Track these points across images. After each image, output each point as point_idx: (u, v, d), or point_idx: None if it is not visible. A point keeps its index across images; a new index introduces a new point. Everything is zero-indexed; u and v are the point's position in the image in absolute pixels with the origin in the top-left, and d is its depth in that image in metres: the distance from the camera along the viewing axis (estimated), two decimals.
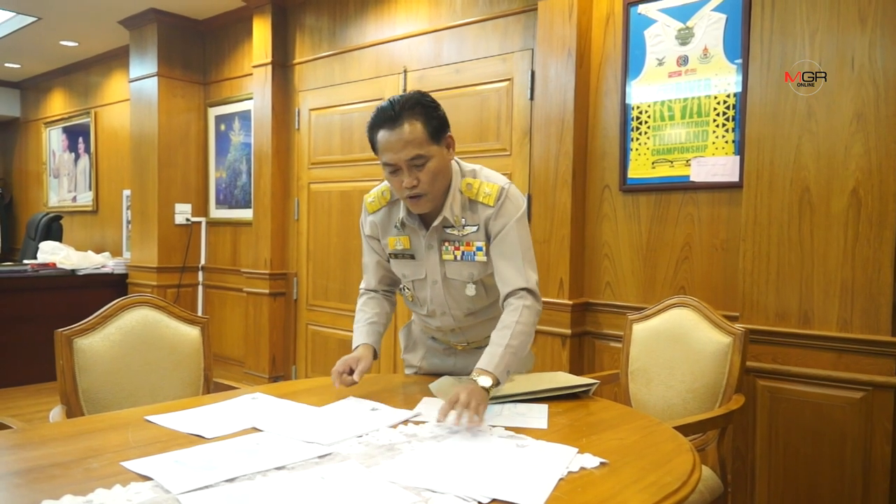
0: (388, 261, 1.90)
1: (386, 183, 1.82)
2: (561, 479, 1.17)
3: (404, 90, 3.86)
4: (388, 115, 1.62)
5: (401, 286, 1.94)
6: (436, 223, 1.73)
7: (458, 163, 1.78)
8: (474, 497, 1.08)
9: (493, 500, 1.08)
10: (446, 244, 1.77)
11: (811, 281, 2.25)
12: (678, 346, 2.22)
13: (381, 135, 1.63)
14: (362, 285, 1.98)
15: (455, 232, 1.75)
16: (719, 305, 2.53)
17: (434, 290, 1.82)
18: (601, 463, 1.25)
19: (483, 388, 1.52)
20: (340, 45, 4.27)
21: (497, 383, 1.57)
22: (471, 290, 1.79)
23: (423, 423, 1.51)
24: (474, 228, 1.74)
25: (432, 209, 1.72)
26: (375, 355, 1.82)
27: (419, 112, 1.62)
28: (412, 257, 1.82)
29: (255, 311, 4.73)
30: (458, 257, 1.76)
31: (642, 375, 2.30)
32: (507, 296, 1.71)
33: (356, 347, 1.82)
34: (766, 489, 2.34)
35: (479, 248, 1.75)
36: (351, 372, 1.72)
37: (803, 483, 2.27)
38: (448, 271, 1.79)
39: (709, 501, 1.92)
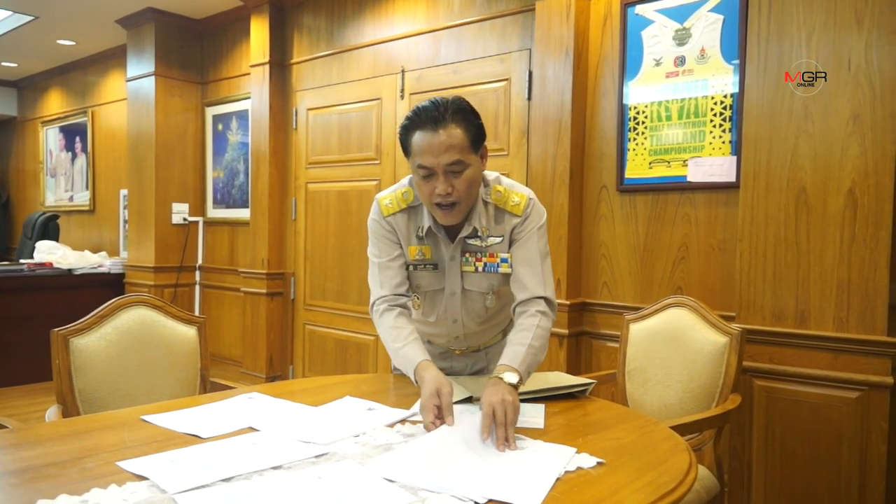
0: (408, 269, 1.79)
1: (402, 184, 1.76)
2: (558, 479, 1.17)
3: (402, 90, 3.86)
4: (432, 116, 1.53)
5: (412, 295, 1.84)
6: (463, 234, 1.68)
7: None
8: (471, 497, 1.09)
9: (490, 500, 1.08)
10: (467, 255, 1.72)
11: (807, 281, 2.25)
12: (675, 346, 2.22)
13: (420, 136, 1.55)
14: (381, 293, 1.75)
15: (478, 243, 1.70)
16: (716, 305, 2.53)
17: (451, 302, 1.78)
18: (598, 463, 1.25)
19: (510, 384, 1.44)
20: (338, 45, 4.27)
21: (521, 380, 1.50)
22: (490, 301, 1.76)
23: (420, 422, 1.51)
24: (498, 239, 1.70)
25: (462, 219, 1.66)
26: None
27: (462, 118, 1.56)
28: (434, 267, 1.75)
29: (252, 310, 4.73)
30: (480, 269, 1.72)
31: (639, 375, 2.31)
32: (524, 302, 1.67)
33: (417, 365, 1.57)
34: (763, 488, 2.35)
35: (504, 260, 1.70)
36: (439, 411, 1.46)
37: (800, 482, 2.27)
38: (466, 283, 1.75)
39: (705, 501, 1.92)
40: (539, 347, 1.60)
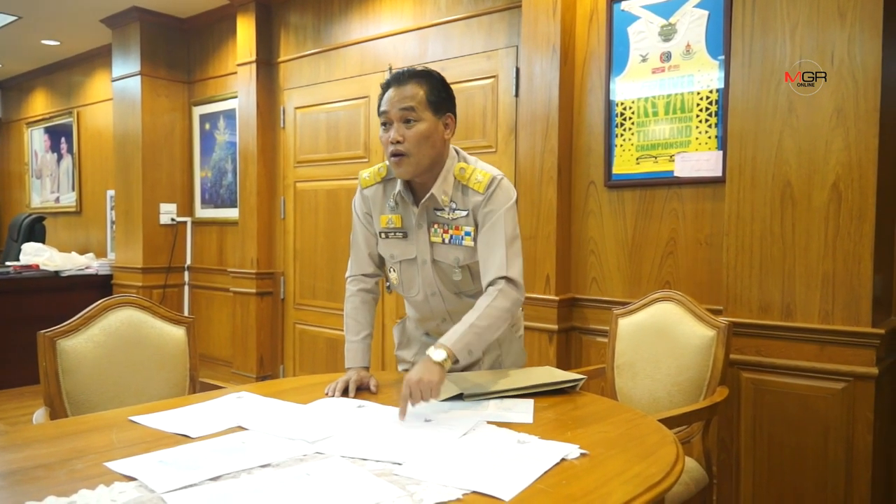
0: (379, 239, 1.91)
1: (384, 162, 1.85)
2: (546, 472, 1.17)
3: None
4: (398, 77, 1.72)
5: (388, 269, 1.94)
6: (425, 199, 1.76)
7: (456, 150, 1.82)
8: (456, 486, 1.10)
9: (473, 492, 1.09)
10: (435, 226, 1.79)
11: (793, 274, 2.27)
12: (663, 340, 2.24)
13: (386, 93, 1.73)
14: (352, 270, 1.97)
15: (444, 214, 1.77)
16: (704, 299, 2.55)
17: (424, 271, 1.84)
18: (586, 455, 1.26)
19: (435, 362, 1.53)
20: (325, 43, 4.26)
21: (455, 360, 1.57)
22: (457, 274, 1.81)
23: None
24: (464, 213, 1.76)
25: (414, 176, 1.74)
26: None
27: (424, 81, 1.72)
28: (404, 236, 1.83)
29: (242, 310, 4.71)
30: (447, 240, 1.78)
31: (628, 369, 2.32)
32: (488, 285, 1.72)
33: (356, 366, 1.87)
34: (751, 480, 2.37)
35: (468, 234, 1.77)
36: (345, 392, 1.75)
37: (787, 473, 2.29)
38: (436, 253, 1.81)
39: (694, 493, 1.94)
40: (485, 327, 1.64)
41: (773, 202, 2.30)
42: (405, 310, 2.07)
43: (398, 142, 1.68)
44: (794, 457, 2.28)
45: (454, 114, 1.78)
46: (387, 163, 1.82)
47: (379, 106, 1.75)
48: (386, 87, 1.74)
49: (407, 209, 1.81)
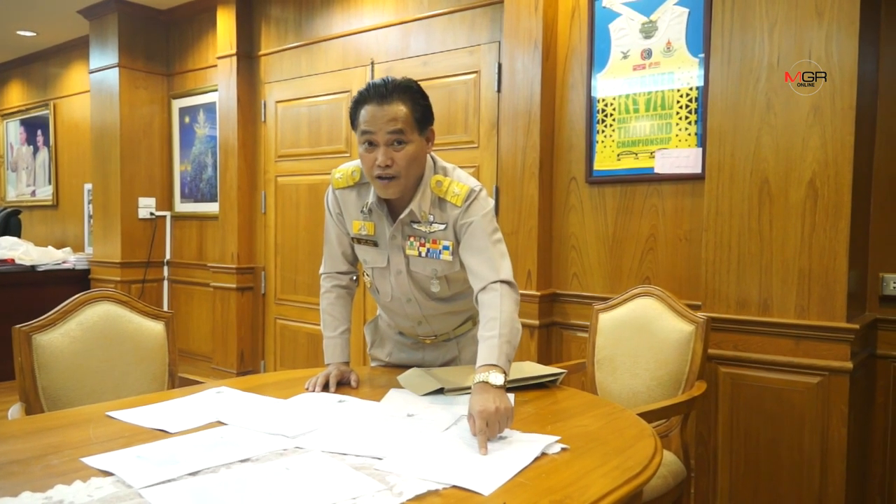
0: (352, 243, 1.87)
1: (356, 162, 1.79)
2: (525, 466, 1.18)
3: None
4: (380, 92, 1.60)
5: (364, 272, 1.91)
6: (402, 216, 1.71)
7: (432, 158, 1.75)
8: (436, 480, 1.10)
9: (453, 486, 1.09)
10: (412, 239, 1.74)
11: (770, 270, 2.30)
12: (643, 335, 2.26)
13: (367, 109, 1.61)
14: (326, 268, 1.95)
15: (422, 228, 1.72)
16: (683, 295, 2.58)
17: (398, 280, 1.80)
18: (565, 449, 1.27)
19: (497, 386, 1.41)
20: (307, 37, 4.23)
21: (506, 376, 1.47)
22: (434, 285, 1.78)
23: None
24: (442, 227, 1.71)
25: (400, 196, 1.69)
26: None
27: (408, 97, 1.62)
28: (375, 244, 1.79)
29: (222, 305, 4.67)
30: (423, 254, 1.73)
31: (608, 364, 2.34)
32: (481, 290, 1.65)
33: (336, 362, 1.84)
34: (728, 473, 2.40)
35: (446, 248, 1.72)
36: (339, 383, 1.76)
37: (764, 466, 2.33)
38: (412, 265, 1.77)
39: (672, 486, 1.96)
40: (510, 332, 1.57)
41: (751, 199, 2.33)
42: (377, 309, 2.04)
43: (388, 165, 1.61)
44: (770, 450, 2.31)
45: (433, 120, 1.70)
46: (360, 166, 1.76)
47: (355, 120, 1.64)
48: (364, 101, 1.62)
49: (381, 219, 1.76)
